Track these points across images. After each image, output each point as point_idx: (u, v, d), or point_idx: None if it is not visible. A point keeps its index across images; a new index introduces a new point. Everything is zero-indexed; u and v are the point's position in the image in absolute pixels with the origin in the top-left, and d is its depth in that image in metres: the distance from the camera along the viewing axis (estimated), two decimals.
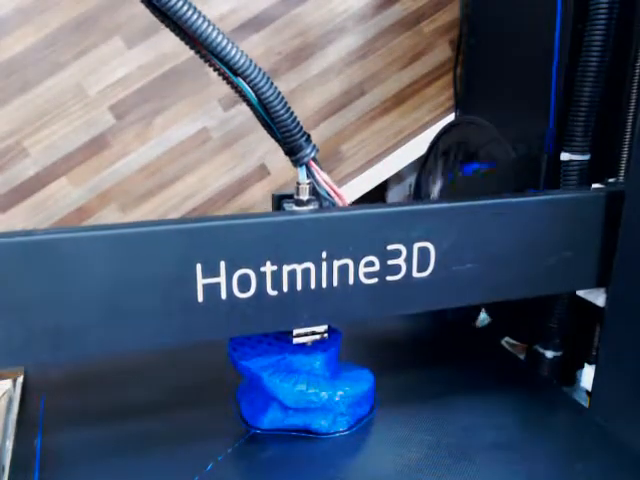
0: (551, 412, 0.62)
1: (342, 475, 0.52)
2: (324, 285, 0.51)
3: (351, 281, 0.51)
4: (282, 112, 0.51)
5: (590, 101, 0.64)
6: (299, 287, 0.50)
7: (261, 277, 0.49)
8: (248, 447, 0.55)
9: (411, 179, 1.07)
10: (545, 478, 0.52)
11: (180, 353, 0.72)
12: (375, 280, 0.52)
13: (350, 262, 0.51)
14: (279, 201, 0.58)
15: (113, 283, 0.45)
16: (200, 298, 0.47)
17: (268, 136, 0.58)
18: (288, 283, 0.49)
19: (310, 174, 0.55)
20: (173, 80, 0.93)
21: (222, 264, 0.47)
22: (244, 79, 0.50)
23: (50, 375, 0.67)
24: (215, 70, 0.51)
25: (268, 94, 0.50)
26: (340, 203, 0.55)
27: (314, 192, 0.55)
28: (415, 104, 1.04)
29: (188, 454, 0.54)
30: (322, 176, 0.55)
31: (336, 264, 0.50)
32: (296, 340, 0.56)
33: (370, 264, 0.51)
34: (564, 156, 0.66)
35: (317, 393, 0.55)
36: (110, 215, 1.33)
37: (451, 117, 1.03)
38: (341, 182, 1.02)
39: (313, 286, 0.50)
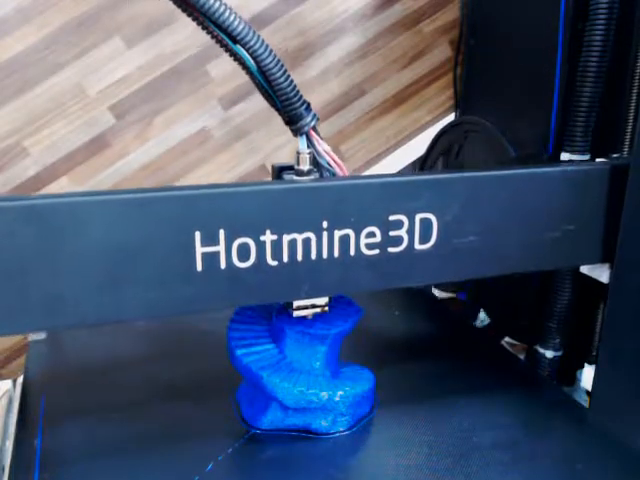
0: (551, 412, 0.62)
1: (342, 475, 0.52)
2: (325, 256, 0.50)
3: (352, 252, 0.50)
4: (281, 80, 0.51)
5: (590, 101, 0.64)
6: (299, 257, 0.49)
7: (261, 246, 0.48)
8: (248, 447, 0.55)
9: None
10: (545, 478, 0.52)
11: (180, 352, 0.72)
12: (377, 251, 0.51)
13: (351, 232, 0.50)
14: (279, 172, 0.57)
15: (110, 250, 0.44)
16: (199, 267, 0.46)
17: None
18: (288, 253, 0.49)
19: (310, 144, 0.54)
20: (173, 80, 0.93)
21: (221, 232, 0.46)
22: (243, 46, 0.50)
23: (50, 375, 0.67)
24: (213, 38, 0.51)
25: (267, 61, 0.50)
26: (341, 173, 0.55)
27: (315, 162, 0.54)
28: (415, 104, 1.04)
29: (188, 454, 0.54)
30: (322, 146, 0.54)
31: (337, 234, 0.50)
32: (296, 313, 0.55)
33: (371, 235, 0.51)
34: (564, 156, 0.66)
35: (317, 393, 0.55)
36: None
37: (451, 117, 1.03)
38: None
39: (314, 256, 0.50)
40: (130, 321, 0.49)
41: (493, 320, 0.84)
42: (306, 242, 0.49)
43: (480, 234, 0.54)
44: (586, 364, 0.67)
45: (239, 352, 0.57)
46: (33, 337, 0.74)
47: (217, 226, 0.46)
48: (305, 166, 0.53)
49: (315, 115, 0.53)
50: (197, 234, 0.46)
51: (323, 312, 0.56)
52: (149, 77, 0.92)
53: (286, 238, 0.48)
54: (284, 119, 0.54)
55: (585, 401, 0.67)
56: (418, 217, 0.51)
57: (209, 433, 0.57)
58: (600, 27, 0.62)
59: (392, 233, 0.51)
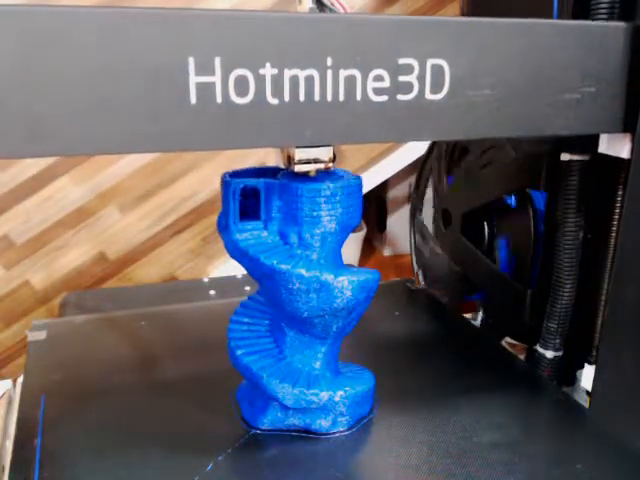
0: (551, 412, 0.62)
1: (342, 475, 0.52)
2: (329, 98, 0.46)
3: (359, 96, 0.47)
4: None
5: None
6: (302, 97, 0.46)
7: (260, 81, 0.44)
8: (248, 447, 0.55)
9: (411, 179, 1.08)
10: (545, 478, 0.52)
11: (180, 352, 0.72)
12: (385, 98, 0.48)
13: (357, 74, 0.47)
14: None
15: (95, 70, 0.40)
16: (193, 99, 0.43)
17: None
18: (290, 91, 0.45)
19: None
20: None
21: (217, 61, 0.43)
22: None
23: (50, 375, 0.67)
24: None
25: None
26: None
27: (318, 3, 0.51)
28: None
29: (188, 454, 0.54)
30: None
31: (342, 74, 0.46)
32: (298, 168, 0.52)
33: (379, 79, 0.47)
34: (564, 156, 0.66)
35: (317, 393, 0.55)
36: (110, 215, 1.33)
37: None
38: None
39: (317, 98, 0.46)
40: (119, 154, 0.46)
41: (493, 320, 0.85)
42: (309, 80, 0.46)
43: (495, 88, 0.50)
44: (586, 364, 0.67)
45: (239, 352, 0.57)
46: (33, 337, 0.74)
47: (213, 53, 0.43)
48: (307, 4, 0.51)
49: None
50: (191, 60, 0.42)
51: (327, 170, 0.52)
52: None
53: (287, 74, 0.45)
54: None
55: (585, 401, 0.67)
56: (429, 62, 0.48)
57: (209, 433, 0.57)
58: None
59: (401, 78, 0.48)
